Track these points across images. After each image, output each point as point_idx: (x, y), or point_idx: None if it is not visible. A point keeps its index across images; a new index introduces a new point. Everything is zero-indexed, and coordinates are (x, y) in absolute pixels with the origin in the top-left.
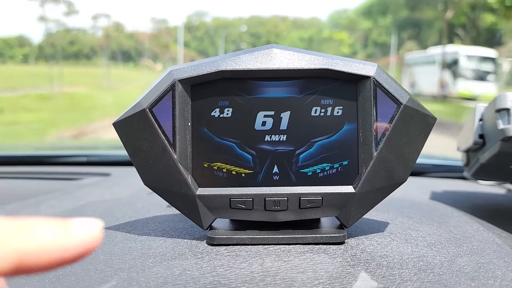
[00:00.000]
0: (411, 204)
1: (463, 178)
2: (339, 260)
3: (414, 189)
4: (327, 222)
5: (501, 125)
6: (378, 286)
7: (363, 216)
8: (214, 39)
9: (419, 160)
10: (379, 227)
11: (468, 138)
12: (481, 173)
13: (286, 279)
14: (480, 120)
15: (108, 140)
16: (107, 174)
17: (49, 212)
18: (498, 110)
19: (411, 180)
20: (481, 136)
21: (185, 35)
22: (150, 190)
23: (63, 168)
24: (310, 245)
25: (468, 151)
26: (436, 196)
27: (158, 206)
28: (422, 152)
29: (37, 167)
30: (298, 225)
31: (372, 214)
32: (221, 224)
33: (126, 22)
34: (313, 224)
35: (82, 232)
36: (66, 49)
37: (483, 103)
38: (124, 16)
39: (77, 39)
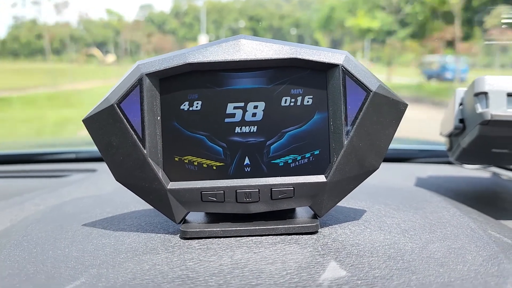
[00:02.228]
0: (391, 190)
1: (450, 162)
2: (309, 250)
3: (398, 175)
4: (302, 212)
5: (479, 109)
6: (346, 275)
7: (339, 205)
8: (205, 25)
9: (406, 146)
10: (355, 215)
11: (449, 123)
12: (464, 157)
13: (254, 271)
14: (460, 104)
15: None
16: (93, 170)
17: (32, 210)
18: (477, 94)
19: (396, 166)
20: (462, 121)
21: (171, 21)
22: None
23: (51, 165)
24: (283, 236)
25: (450, 136)
26: (420, 182)
27: (137, 201)
28: (409, 137)
29: (24, 165)
30: (273, 216)
31: (350, 202)
32: (196, 217)
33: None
34: (288, 215)
35: None
36: (33, 43)
37: (462, 88)
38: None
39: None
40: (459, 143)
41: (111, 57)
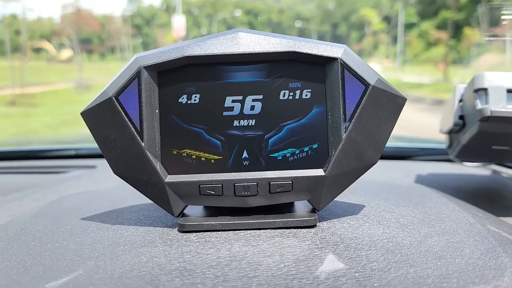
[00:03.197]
0: (391, 186)
1: (450, 161)
2: (307, 243)
3: (399, 172)
4: (301, 206)
5: (479, 105)
6: (343, 268)
7: (338, 200)
8: (198, 19)
9: (406, 144)
10: (354, 210)
11: (449, 120)
12: (464, 154)
13: (251, 263)
14: (460, 101)
15: None
16: (93, 167)
17: (33, 206)
18: (476, 90)
19: (397, 163)
20: (461, 117)
21: (162, 16)
22: None
23: (51, 161)
24: (281, 230)
25: (450, 133)
26: (420, 179)
27: (136, 196)
28: (409, 135)
29: (25, 161)
30: (272, 210)
31: (349, 197)
32: (194, 211)
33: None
34: (286, 208)
35: None
36: (12, 40)
37: (462, 84)
38: None
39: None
40: (459, 140)
41: (66, 52)
